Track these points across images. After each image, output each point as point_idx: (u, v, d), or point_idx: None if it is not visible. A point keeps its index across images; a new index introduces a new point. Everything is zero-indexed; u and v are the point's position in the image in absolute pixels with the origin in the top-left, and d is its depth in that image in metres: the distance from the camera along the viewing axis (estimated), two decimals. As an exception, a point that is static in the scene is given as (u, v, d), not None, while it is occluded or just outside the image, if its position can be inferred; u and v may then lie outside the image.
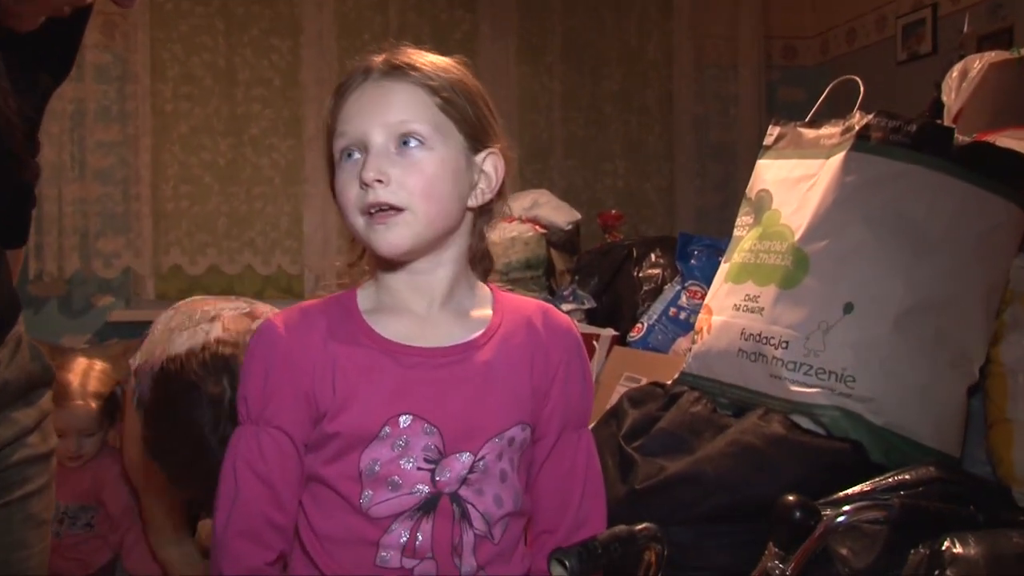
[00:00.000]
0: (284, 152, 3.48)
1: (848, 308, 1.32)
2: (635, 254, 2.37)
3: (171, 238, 3.41)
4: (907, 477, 1.15)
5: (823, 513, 1.00)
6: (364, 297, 0.97)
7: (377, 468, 0.89)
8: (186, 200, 3.41)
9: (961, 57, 1.86)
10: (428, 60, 0.93)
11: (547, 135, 3.64)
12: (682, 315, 2.07)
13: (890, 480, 1.15)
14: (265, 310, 1.66)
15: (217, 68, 3.41)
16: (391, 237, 0.89)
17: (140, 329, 3.11)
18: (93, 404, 1.99)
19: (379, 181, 0.88)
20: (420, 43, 0.96)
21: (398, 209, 0.89)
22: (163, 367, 1.43)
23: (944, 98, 1.80)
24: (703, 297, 1.83)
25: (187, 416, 1.34)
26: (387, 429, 0.89)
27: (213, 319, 1.60)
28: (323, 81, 3.45)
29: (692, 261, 2.15)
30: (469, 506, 0.91)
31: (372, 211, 0.89)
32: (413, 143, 0.90)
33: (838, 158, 1.40)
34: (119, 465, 1.96)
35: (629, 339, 2.10)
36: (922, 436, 1.28)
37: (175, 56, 3.40)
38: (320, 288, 3.47)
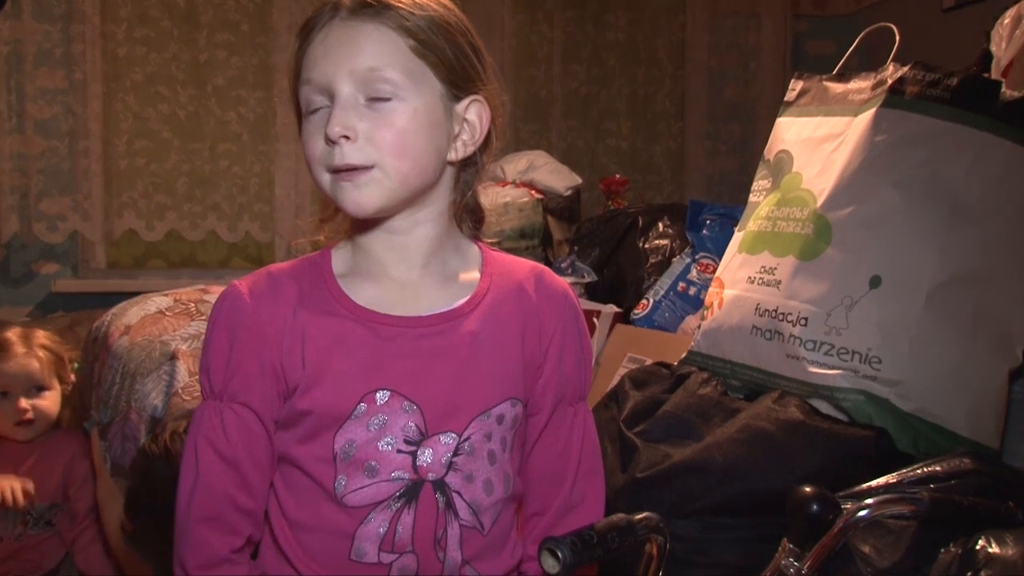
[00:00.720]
0: (252, 105, 3.45)
1: (875, 282, 1.32)
2: (641, 223, 2.37)
3: (124, 200, 3.39)
4: (938, 469, 1.15)
5: (843, 506, 1.00)
6: (339, 259, 0.96)
7: (353, 451, 0.89)
8: (142, 157, 3.38)
9: (1016, 1, 1.83)
10: None
11: (545, 91, 3.62)
12: (692, 290, 2.07)
13: (919, 472, 1.15)
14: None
15: (176, 8, 3.38)
16: (359, 197, 0.89)
17: (89, 301, 3.11)
18: (40, 354, 1.99)
19: (345, 137, 0.88)
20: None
21: (366, 167, 0.88)
22: (144, 451, 1.44)
23: (993, 48, 1.79)
24: (715, 271, 1.83)
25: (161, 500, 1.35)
26: (362, 406, 0.89)
27: (173, 358, 1.61)
28: (297, 26, 3.40)
29: (703, 231, 2.15)
30: (455, 495, 0.91)
31: (337, 171, 0.89)
32: (382, 93, 0.89)
33: (867, 115, 1.39)
34: (89, 460, 1.96)
35: (633, 316, 2.10)
36: (956, 424, 1.28)
37: (128, -6, 3.36)
38: (292, 254, 3.46)
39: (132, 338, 1.72)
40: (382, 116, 0.89)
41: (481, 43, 0.96)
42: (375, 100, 0.89)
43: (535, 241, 2.59)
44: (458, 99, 0.94)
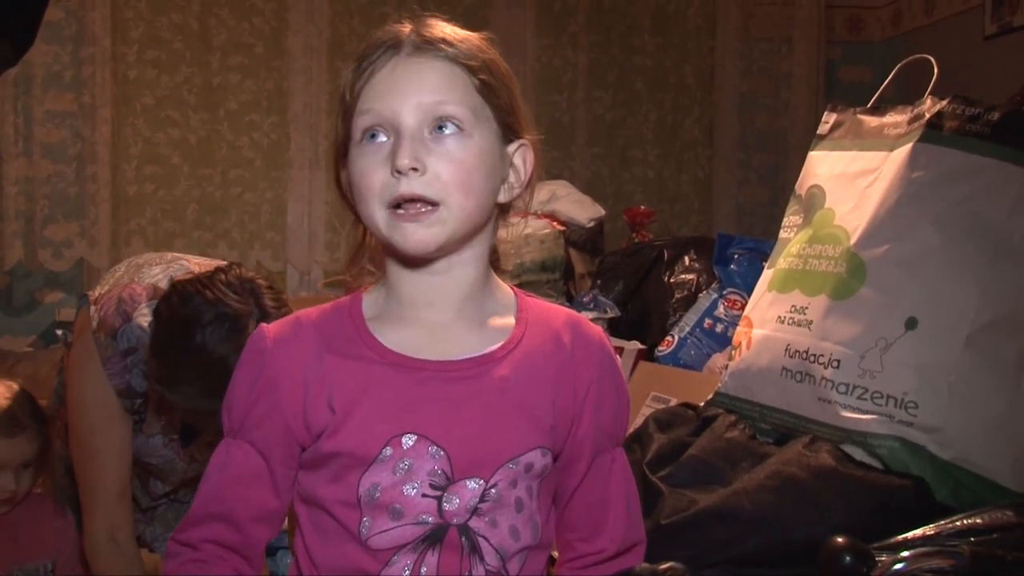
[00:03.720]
0: (266, 131, 3.51)
1: (911, 323, 1.32)
2: (666, 256, 2.38)
3: (132, 226, 3.44)
4: (979, 521, 1.14)
5: (878, 559, 1.00)
6: (370, 303, 0.99)
7: (377, 494, 0.91)
8: (151, 183, 3.44)
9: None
10: (462, 36, 0.96)
11: (568, 118, 3.66)
12: (719, 327, 2.07)
13: (959, 524, 1.15)
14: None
15: (189, 30, 3.45)
16: (422, 235, 0.91)
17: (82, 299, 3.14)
18: (35, 425, 1.96)
19: (414, 169, 0.90)
20: (425, 8, 0.98)
21: (433, 204, 0.91)
22: (176, 287, 1.46)
23: (1038, 80, 1.80)
24: (743, 307, 1.83)
25: (212, 338, 1.38)
26: (388, 450, 0.91)
27: (182, 260, 1.70)
28: (312, 50, 3.49)
29: (732, 266, 2.15)
30: (480, 539, 0.93)
31: (402, 205, 0.91)
32: (449, 128, 0.91)
33: (904, 150, 1.40)
34: (73, 529, 1.94)
35: (657, 353, 2.11)
36: (998, 474, 1.28)
37: (140, 15, 3.43)
38: (303, 288, 3.49)
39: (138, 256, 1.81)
40: (448, 152, 0.91)
41: (519, 89, 1.00)
42: (440, 135, 0.91)
43: (556, 274, 2.60)
44: (509, 142, 0.97)
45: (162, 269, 1.67)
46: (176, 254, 1.78)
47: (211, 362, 1.39)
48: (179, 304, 1.44)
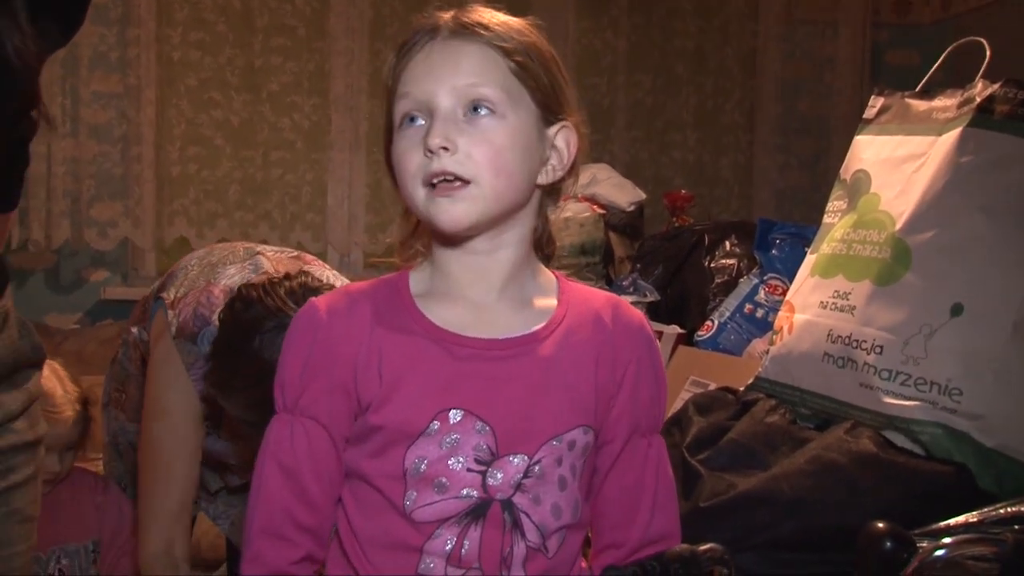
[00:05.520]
0: (308, 112, 3.53)
1: (956, 310, 1.31)
2: (707, 241, 2.37)
3: (176, 207, 3.49)
4: (1023, 509, 1.14)
5: (919, 545, 1.00)
6: (417, 280, 1.01)
7: (423, 467, 0.93)
8: (194, 164, 3.48)
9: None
10: (501, 20, 0.97)
11: (608, 101, 3.65)
12: (759, 312, 2.07)
13: (1002, 511, 1.14)
14: (312, 260, 1.70)
15: (232, 11, 3.47)
16: (455, 211, 0.93)
17: (157, 301, 3.18)
18: (78, 407, 1.97)
19: (445, 148, 0.92)
20: (466, -7, 0.99)
21: (464, 181, 0.93)
22: (241, 292, 1.46)
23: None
24: (784, 293, 1.83)
25: (269, 347, 1.36)
26: (436, 424, 0.93)
27: (257, 255, 1.67)
28: (354, 31, 3.50)
29: (773, 251, 2.15)
30: (523, 515, 0.94)
31: (435, 181, 0.93)
32: (483, 110, 0.93)
33: (953, 135, 1.39)
34: (119, 502, 1.95)
35: (697, 338, 2.11)
36: (1043, 463, 1.27)
37: (184, -3, 3.46)
38: (343, 269, 3.52)
39: (210, 249, 1.77)
40: (481, 132, 0.93)
41: (567, 73, 1.01)
42: (474, 116, 0.93)
43: (596, 258, 2.60)
44: (549, 124, 0.98)
45: (237, 269, 1.64)
46: (249, 245, 1.74)
47: (263, 370, 1.38)
48: (241, 310, 1.45)
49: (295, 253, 1.71)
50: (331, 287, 1.45)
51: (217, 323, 1.53)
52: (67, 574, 1.92)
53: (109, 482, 1.98)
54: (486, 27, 0.95)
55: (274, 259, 1.66)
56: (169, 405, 1.64)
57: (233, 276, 1.63)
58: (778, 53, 3.72)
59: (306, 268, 1.61)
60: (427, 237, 1.00)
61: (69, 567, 1.92)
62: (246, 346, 1.41)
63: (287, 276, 1.46)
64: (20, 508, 1.14)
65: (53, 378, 1.94)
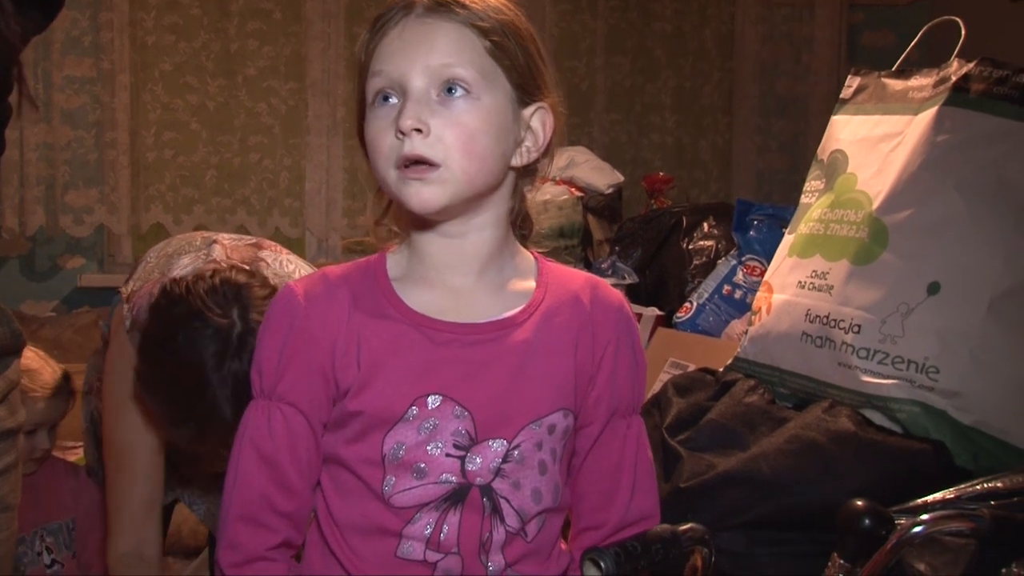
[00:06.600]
0: (284, 97, 3.50)
1: (933, 288, 1.32)
2: (685, 223, 2.37)
3: (152, 192, 3.45)
4: (999, 485, 1.15)
5: (897, 522, 1.00)
6: (394, 263, 0.99)
7: (402, 453, 0.93)
8: (169, 149, 3.45)
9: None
10: None
11: (587, 84, 3.64)
12: (737, 294, 2.07)
13: (979, 488, 1.15)
14: (270, 245, 1.67)
15: (207, -5, 3.43)
16: (425, 194, 0.92)
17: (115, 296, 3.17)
18: (63, 383, 2.01)
19: (417, 131, 0.91)
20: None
21: (434, 164, 0.91)
22: (165, 289, 1.43)
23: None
24: (762, 274, 1.83)
25: (188, 347, 1.34)
26: (414, 410, 0.93)
27: (213, 243, 1.64)
28: (331, 15, 3.47)
29: (751, 232, 2.15)
30: (502, 500, 0.94)
31: (406, 164, 0.92)
32: (457, 91, 0.92)
33: (929, 114, 1.39)
34: (88, 486, 1.97)
35: (676, 320, 2.11)
36: (1019, 438, 1.28)
37: (157, -20, 3.42)
38: (321, 254, 3.50)
39: (174, 238, 1.74)
40: (453, 114, 0.92)
41: (546, 53, 0.99)
42: (448, 97, 0.92)
43: (574, 241, 2.60)
44: (525, 104, 0.97)
45: (191, 259, 1.60)
46: (207, 235, 1.71)
47: (181, 369, 1.35)
48: (165, 306, 1.42)
49: (253, 240, 1.68)
50: (262, 280, 1.41)
51: None
52: (53, 549, 1.98)
53: (78, 468, 2.01)
54: (463, 5, 0.94)
55: (229, 247, 1.62)
56: (126, 400, 1.61)
57: (187, 267, 1.59)
58: (755, 35, 3.72)
59: (261, 255, 1.59)
60: (403, 218, 0.99)
61: (54, 543, 1.98)
62: (167, 344, 1.38)
63: (214, 272, 1.41)
64: (1, 496, 1.13)
65: (37, 359, 1.97)
